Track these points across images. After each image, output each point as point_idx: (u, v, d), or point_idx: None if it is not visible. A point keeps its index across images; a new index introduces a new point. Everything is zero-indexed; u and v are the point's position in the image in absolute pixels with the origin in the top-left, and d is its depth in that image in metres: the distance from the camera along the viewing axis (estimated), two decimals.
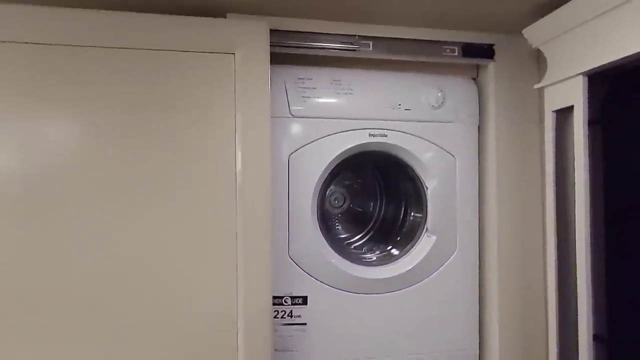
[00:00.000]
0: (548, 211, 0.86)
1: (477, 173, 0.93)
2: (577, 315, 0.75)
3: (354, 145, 0.85)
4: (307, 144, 0.84)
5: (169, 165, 0.71)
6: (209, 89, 0.73)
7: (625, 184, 0.77)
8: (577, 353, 0.74)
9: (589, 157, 0.74)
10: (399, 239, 0.98)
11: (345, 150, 0.85)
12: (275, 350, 0.83)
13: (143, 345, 0.70)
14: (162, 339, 0.70)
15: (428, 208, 0.89)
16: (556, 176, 0.83)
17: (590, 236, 0.74)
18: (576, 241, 0.77)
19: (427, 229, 0.90)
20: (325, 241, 0.85)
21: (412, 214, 0.97)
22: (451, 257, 0.90)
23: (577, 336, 0.75)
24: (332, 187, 1.08)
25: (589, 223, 0.74)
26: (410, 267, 0.87)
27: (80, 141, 0.69)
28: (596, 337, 0.72)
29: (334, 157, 0.84)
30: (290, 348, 0.84)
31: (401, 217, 1.00)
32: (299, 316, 0.84)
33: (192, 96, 0.72)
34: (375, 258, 0.97)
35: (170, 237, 0.71)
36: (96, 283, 0.68)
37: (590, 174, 0.73)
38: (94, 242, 0.68)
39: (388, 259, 0.93)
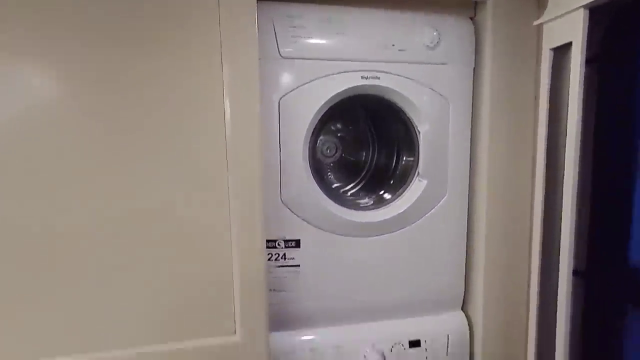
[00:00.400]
0: (539, 153, 0.87)
1: (471, 117, 0.91)
2: (559, 252, 0.79)
3: (346, 88, 0.83)
4: (297, 87, 0.81)
5: (154, 113, 0.69)
6: (192, 28, 0.69)
7: (618, 122, 0.77)
8: (557, 287, 0.78)
9: (584, 95, 0.73)
10: (392, 182, 0.98)
11: (337, 94, 0.83)
12: (271, 290, 0.86)
13: (138, 290, 0.71)
14: (159, 285, 0.72)
15: (420, 152, 0.89)
16: (549, 117, 0.82)
17: (578, 176, 0.75)
18: (564, 183, 0.78)
19: (418, 173, 0.90)
20: (317, 186, 0.86)
21: (404, 158, 0.97)
22: (441, 201, 0.91)
23: (557, 272, 0.79)
24: (323, 136, 1.07)
25: (577, 164, 0.75)
26: (401, 211, 0.89)
27: (59, 89, 0.65)
28: (576, 272, 0.76)
29: (326, 100, 0.82)
30: (285, 288, 0.87)
31: (394, 162, 1.00)
32: (293, 258, 0.86)
33: (174, 36, 0.68)
34: (367, 202, 0.99)
35: (160, 185, 0.70)
36: (90, 230, 0.68)
37: (583, 113, 0.73)
38: (84, 191, 0.67)
39: (380, 202, 0.94)
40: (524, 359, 0.95)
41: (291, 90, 0.81)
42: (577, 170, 0.76)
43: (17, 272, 0.67)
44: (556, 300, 0.79)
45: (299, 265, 0.87)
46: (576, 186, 0.77)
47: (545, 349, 0.87)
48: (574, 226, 0.76)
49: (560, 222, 0.80)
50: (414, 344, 0.93)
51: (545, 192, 0.86)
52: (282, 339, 0.88)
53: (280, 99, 0.81)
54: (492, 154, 0.89)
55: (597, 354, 0.79)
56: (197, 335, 0.74)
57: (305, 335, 0.90)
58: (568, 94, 0.76)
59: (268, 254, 0.85)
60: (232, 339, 0.75)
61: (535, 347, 0.89)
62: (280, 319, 0.88)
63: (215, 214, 0.73)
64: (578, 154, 0.75)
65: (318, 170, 1.02)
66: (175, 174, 0.71)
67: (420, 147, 0.89)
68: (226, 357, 0.75)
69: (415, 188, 0.90)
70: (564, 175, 0.80)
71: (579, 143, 0.74)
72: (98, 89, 0.66)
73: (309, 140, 0.83)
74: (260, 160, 0.73)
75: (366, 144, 1.09)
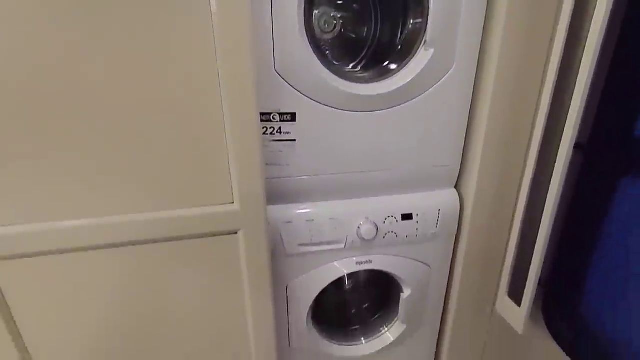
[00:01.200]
0: (561, 22, 0.78)
1: None
2: (564, 126, 0.77)
3: None
4: None
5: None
6: None
7: None
8: (554, 162, 0.78)
9: None
10: (400, 47, 0.90)
11: None
12: (267, 164, 0.85)
13: (137, 159, 0.70)
14: (155, 155, 0.70)
15: (429, 16, 0.79)
16: None
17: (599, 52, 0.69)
18: (583, 54, 0.72)
19: (425, 42, 0.82)
20: (314, 53, 0.78)
21: (412, 21, 0.87)
22: (447, 74, 0.85)
23: (558, 146, 0.77)
24: (320, 9, 0.95)
25: (603, 32, 0.68)
26: (403, 83, 0.83)
27: None
28: (577, 145, 0.75)
29: None
30: (280, 162, 0.86)
31: (399, 30, 0.91)
32: (288, 133, 0.83)
33: None
34: (368, 76, 0.92)
35: (145, 54, 0.63)
36: (88, 101, 0.64)
37: None
38: (79, 68, 0.61)
39: (382, 75, 0.87)
40: (508, 232, 1.01)
41: None
42: (601, 41, 0.69)
43: (21, 136, 0.64)
44: (551, 174, 0.79)
45: (294, 140, 0.84)
46: (597, 57, 0.71)
47: (531, 224, 0.91)
48: (585, 97, 0.72)
49: (572, 95, 0.76)
50: (406, 217, 0.97)
51: (560, 65, 0.80)
52: (280, 210, 0.91)
53: None
54: (508, 24, 0.80)
55: (582, 227, 0.83)
56: (196, 203, 0.76)
57: (302, 208, 0.93)
58: None
59: (263, 128, 0.82)
60: (231, 207, 0.77)
61: (522, 222, 0.94)
62: (277, 193, 0.89)
63: (204, 83, 0.68)
64: (606, 23, 0.67)
65: (317, 48, 0.93)
66: (160, 41, 0.63)
67: (430, 9, 0.79)
68: (227, 224, 0.78)
69: (421, 58, 0.83)
70: (584, 48, 0.73)
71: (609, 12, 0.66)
72: None
73: None
74: (249, 20, 0.64)
75: (368, 17, 0.98)
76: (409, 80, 0.83)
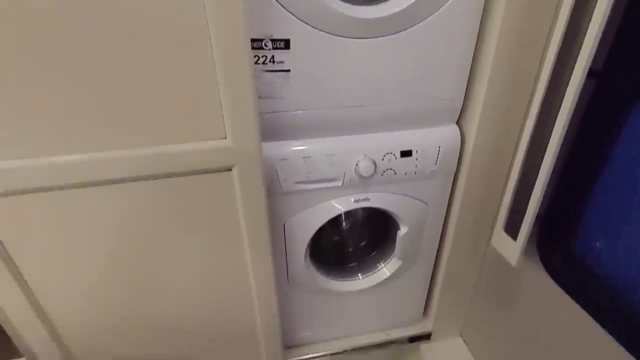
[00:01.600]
0: None
1: None
2: (578, 53, 0.71)
3: None
4: None
5: None
6: None
7: None
8: (565, 90, 0.74)
9: None
10: None
11: None
12: (260, 97, 0.81)
13: (126, 94, 0.65)
14: (142, 88, 0.65)
15: None
16: None
17: None
18: None
19: None
20: None
21: None
22: None
23: (569, 74, 0.73)
24: None
25: None
26: (406, 5, 0.75)
27: None
28: (590, 73, 0.70)
29: None
30: (274, 95, 0.81)
31: None
32: (282, 62, 0.77)
33: None
34: None
35: None
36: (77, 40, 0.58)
37: None
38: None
39: None
40: (509, 168, 0.99)
41: None
42: None
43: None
44: (560, 104, 0.75)
45: (289, 70, 0.79)
46: None
47: (533, 158, 0.88)
48: (605, 21, 0.66)
49: (590, 19, 0.70)
50: (406, 153, 0.95)
51: None
52: (275, 147, 0.88)
53: None
54: None
55: (586, 160, 0.81)
56: (188, 139, 0.72)
57: (298, 144, 0.89)
58: None
59: (254, 57, 0.76)
60: (224, 143, 0.73)
61: (524, 158, 0.91)
62: (271, 128, 0.85)
63: (188, 8, 0.61)
64: None
65: None
66: None
67: None
68: (220, 160, 0.75)
69: None
70: None
71: None
72: None
73: None
74: None
75: None
76: (412, 1, 0.75)
